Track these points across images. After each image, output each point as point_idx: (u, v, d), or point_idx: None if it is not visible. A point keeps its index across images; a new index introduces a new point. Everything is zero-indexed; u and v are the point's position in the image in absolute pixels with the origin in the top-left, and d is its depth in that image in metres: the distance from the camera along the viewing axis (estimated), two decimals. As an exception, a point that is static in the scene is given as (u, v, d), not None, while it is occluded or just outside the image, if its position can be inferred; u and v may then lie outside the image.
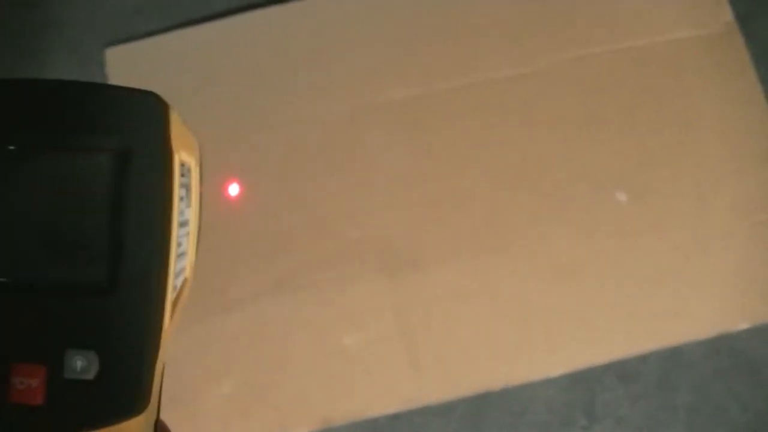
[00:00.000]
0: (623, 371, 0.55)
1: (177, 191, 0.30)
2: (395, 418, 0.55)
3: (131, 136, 0.29)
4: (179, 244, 0.31)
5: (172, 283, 0.30)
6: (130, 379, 0.27)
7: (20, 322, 0.27)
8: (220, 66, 0.66)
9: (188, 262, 0.34)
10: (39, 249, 0.29)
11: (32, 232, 0.29)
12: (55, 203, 0.29)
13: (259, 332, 0.57)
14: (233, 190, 0.60)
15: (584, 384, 0.54)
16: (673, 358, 0.55)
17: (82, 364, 0.27)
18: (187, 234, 0.33)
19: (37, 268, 0.28)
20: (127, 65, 0.68)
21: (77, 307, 0.27)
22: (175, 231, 0.30)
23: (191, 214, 0.34)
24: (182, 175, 0.31)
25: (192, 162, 0.34)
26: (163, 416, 0.29)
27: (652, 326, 0.55)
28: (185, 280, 0.33)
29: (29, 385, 0.26)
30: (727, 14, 0.63)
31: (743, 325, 0.55)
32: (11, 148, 0.28)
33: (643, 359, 0.54)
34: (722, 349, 0.55)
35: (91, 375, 0.27)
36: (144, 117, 0.30)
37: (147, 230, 0.28)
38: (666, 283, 0.55)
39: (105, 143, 0.29)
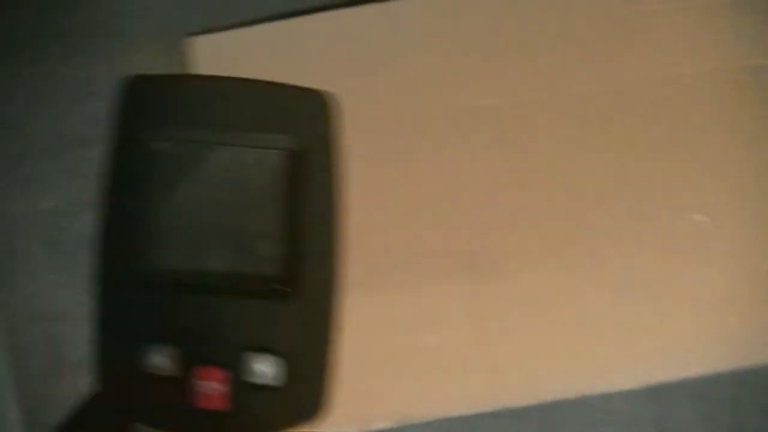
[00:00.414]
0: (695, 390, 0.57)
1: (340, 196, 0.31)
2: (470, 419, 0.57)
3: (304, 135, 0.30)
4: None
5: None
6: (315, 386, 0.28)
7: (206, 324, 0.27)
8: (300, 64, 0.67)
9: None
10: (225, 249, 0.29)
11: (216, 232, 0.29)
12: (235, 203, 0.29)
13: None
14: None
15: (657, 400, 0.56)
16: (744, 381, 0.57)
17: (269, 370, 0.27)
18: None
19: (223, 269, 0.29)
20: (210, 56, 0.69)
21: (264, 311, 0.28)
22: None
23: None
24: None
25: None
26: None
27: (725, 347, 0.56)
28: None
29: (216, 390, 0.27)
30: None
31: (818, 352, 0.57)
32: (189, 143, 0.29)
33: (715, 380, 0.56)
34: (794, 374, 0.57)
35: (278, 381, 0.27)
36: (315, 117, 0.30)
37: (325, 236, 0.29)
38: (740, 306, 0.57)
39: (279, 142, 0.29)
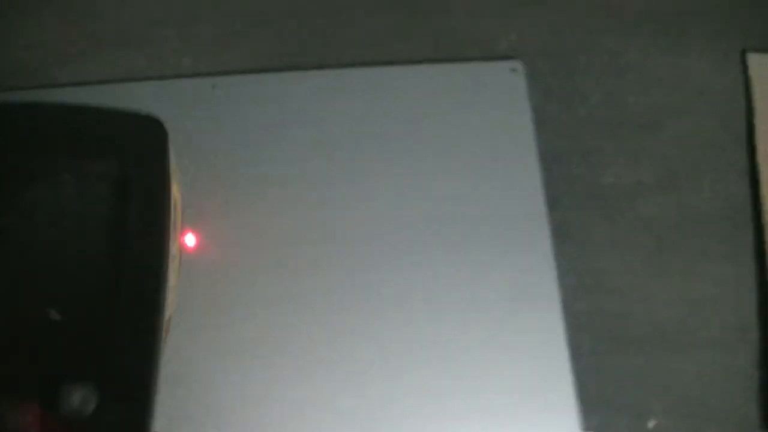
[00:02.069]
0: None
1: (171, 225, 0.28)
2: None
3: (133, 163, 0.27)
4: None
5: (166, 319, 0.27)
6: (131, 414, 0.24)
7: (12, 356, 0.24)
8: None
9: (173, 295, 0.31)
10: (38, 277, 0.26)
11: (33, 258, 0.26)
12: (56, 231, 0.26)
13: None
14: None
15: None
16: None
17: (78, 399, 0.23)
18: (175, 269, 0.32)
19: (32, 292, 0.26)
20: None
21: (74, 338, 0.25)
22: (168, 267, 0.27)
23: (176, 247, 0.33)
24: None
25: (176, 193, 0.32)
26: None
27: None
28: (169, 316, 0.31)
29: (22, 424, 0.23)
30: None
31: None
32: (14, 173, 0.26)
33: None
34: None
35: (89, 410, 0.24)
36: (146, 144, 0.28)
37: (146, 265, 0.26)
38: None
39: (106, 169, 0.27)
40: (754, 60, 0.70)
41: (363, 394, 0.57)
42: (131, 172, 0.26)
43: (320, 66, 0.66)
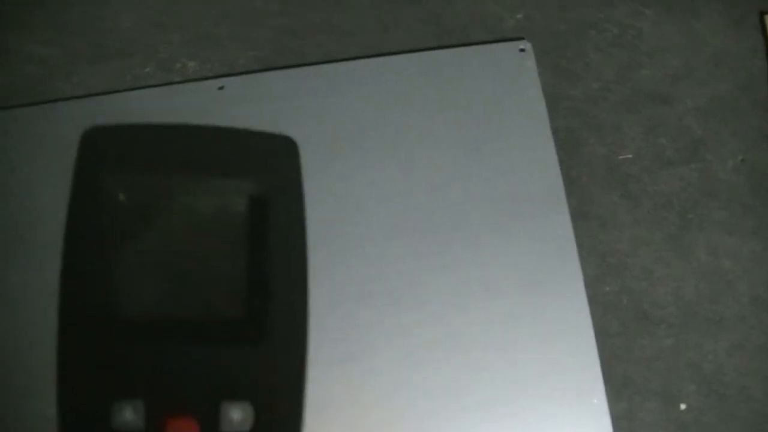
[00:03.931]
0: None
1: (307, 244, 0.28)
2: None
3: (268, 181, 0.27)
4: None
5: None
6: (285, 429, 0.25)
7: (174, 375, 0.24)
8: None
9: None
10: (190, 296, 0.26)
11: (181, 279, 0.26)
12: (199, 249, 0.26)
13: None
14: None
15: None
16: None
17: (238, 417, 0.24)
18: None
19: (188, 317, 0.26)
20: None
21: (231, 357, 0.25)
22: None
23: None
24: None
25: None
26: None
27: None
28: None
29: None
30: None
31: None
32: (150, 191, 0.26)
33: None
34: None
35: (246, 427, 0.24)
36: (279, 162, 0.28)
37: (290, 280, 0.26)
38: None
39: (241, 188, 0.27)
40: (771, 21, 0.67)
41: (388, 387, 0.56)
42: (269, 189, 0.28)
43: (325, 60, 0.65)
